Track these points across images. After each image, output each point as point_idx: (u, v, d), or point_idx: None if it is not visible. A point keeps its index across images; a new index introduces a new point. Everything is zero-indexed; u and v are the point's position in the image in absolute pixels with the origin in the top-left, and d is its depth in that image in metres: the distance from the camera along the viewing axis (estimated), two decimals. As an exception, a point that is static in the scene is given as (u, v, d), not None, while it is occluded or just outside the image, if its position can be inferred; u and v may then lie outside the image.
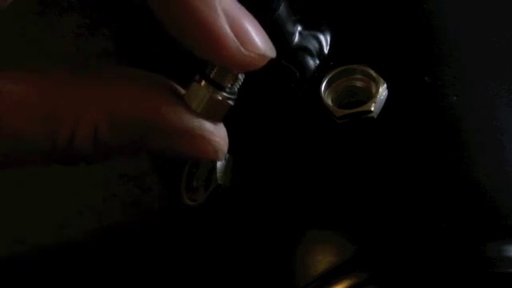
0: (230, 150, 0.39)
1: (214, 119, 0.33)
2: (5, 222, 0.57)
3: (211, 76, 0.33)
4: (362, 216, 0.37)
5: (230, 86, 0.33)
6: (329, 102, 0.39)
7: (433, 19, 0.42)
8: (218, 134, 0.33)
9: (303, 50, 0.41)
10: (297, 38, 0.42)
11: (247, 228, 0.40)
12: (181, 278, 0.51)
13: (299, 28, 0.42)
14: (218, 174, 0.39)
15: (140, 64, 0.51)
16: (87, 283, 0.55)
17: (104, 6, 0.58)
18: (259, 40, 0.32)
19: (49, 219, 0.57)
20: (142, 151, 0.33)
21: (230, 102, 0.33)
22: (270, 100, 0.41)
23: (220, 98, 0.33)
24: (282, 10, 0.40)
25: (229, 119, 0.37)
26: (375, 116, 0.39)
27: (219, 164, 0.39)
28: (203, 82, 0.32)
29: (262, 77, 0.41)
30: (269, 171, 0.40)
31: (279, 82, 0.41)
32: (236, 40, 0.31)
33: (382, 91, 0.39)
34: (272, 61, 0.33)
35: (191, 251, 0.45)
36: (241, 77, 0.33)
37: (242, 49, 0.32)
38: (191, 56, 0.36)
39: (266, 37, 0.32)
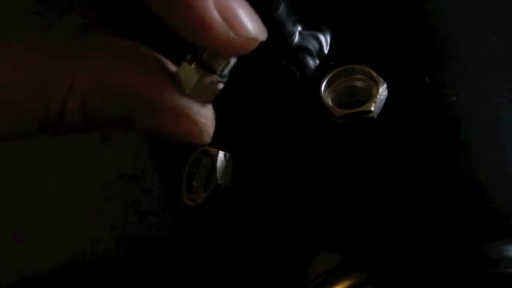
0: (230, 150, 0.40)
1: (202, 101, 0.33)
2: (4, 222, 0.57)
3: (202, 58, 0.32)
4: (362, 216, 0.37)
5: (220, 69, 0.33)
6: (329, 102, 0.39)
7: (433, 19, 0.42)
8: (204, 115, 0.33)
9: (303, 49, 0.41)
10: (297, 38, 0.42)
11: (247, 228, 0.40)
12: (181, 277, 0.51)
13: (299, 28, 0.42)
14: (218, 174, 0.39)
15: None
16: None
17: (104, 6, 0.58)
18: (249, 23, 0.32)
19: (49, 220, 0.57)
20: (128, 126, 0.33)
21: (220, 86, 0.33)
22: (270, 100, 0.41)
23: (210, 80, 0.33)
24: (282, 9, 0.40)
25: (229, 118, 0.37)
26: (375, 116, 0.39)
27: (219, 164, 0.39)
28: (194, 64, 0.32)
29: (262, 77, 0.41)
30: (269, 171, 0.40)
31: (279, 82, 0.41)
32: (224, 24, 0.31)
33: (382, 91, 0.39)
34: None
35: (191, 251, 0.45)
36: (232, 61, 0.33)
37: (231, 32, 0.31)
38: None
39: (257, 19, 0.32)
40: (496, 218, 0.37)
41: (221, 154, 0.39)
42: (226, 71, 0.33)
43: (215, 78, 0.33)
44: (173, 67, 0.33)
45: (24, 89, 0.31)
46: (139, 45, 0.33)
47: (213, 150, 0.39)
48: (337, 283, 0.36)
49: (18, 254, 0.57)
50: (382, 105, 0.39)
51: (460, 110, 0.39)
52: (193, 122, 0.33)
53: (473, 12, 0.43)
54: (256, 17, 0.32)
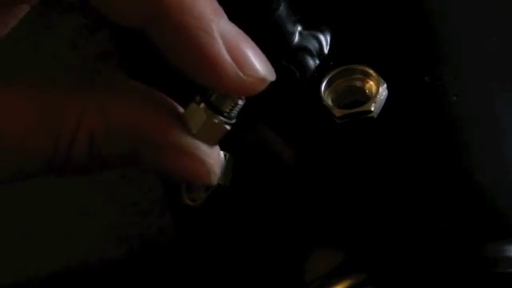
0: (230, 150, 0.40)
1: (209, 142, 0.33)
2: (4, 223, 0.57)
3: (211, 99, 0.33)
4: (362, 216, 0.37)
5: (228, 110, 0.33)
6: (329, 102, 0.39)
7: (433, 19, 0.42)
8: (212, 156, 0.33)
9: (303, 50, 0.41)
10: (297, 38, 0.42)
11: (247, 228, 0.40)
12: (181, 277, 0.51)
13: (299, 28, 0.42)
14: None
15: (140, 64, 0.51)
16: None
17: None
18: (258, 64, 0.32)
19: (48, 220, 0.57)
20: (134, 165, 0.33)
21: (227, 127, 0.33)
22: (269, 100, 0.41)
23: (217, 121, 0.33)
24: (282, 10, 0.40)
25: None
26: (375, 116, 0.39)
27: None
28: (202, 105, 0.33)
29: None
30: (269, 171, 0.40)
31: (279, 82, 0.41)
32: (234, 65, 0.31)
33: (382, 91, 0.39)
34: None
35: (191, 251, 0.45)
36: (241, 102, 0.33)
37: (241, 74, 0.31)
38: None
39: (266, 60, 0.32)
40: (496, 218, 0.37)
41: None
42: (234, 113, 0.33)
43: (223, 119, 0.33)
44: (180, 109, 0.33)
45: (31, 130, 0.31)
46: (146, 86, 0.33)
47: (213, 150, 0.39)
48: (337, 283, 0.36)
49: (18, 254, 0.57)
50: (382, 105, 0.39)
51: (460, 109, 0.39)
52: (200, 162, 0.33)
53: (473, 12, 0.43)
54: (264, 57, 0.32)
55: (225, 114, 0.33)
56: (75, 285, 0.56)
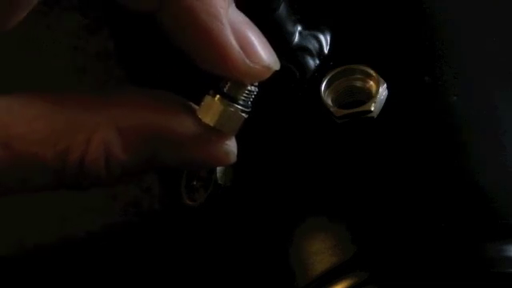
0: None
1: (228, 132, 0.33)
2: (5, 222, 0.57)
3: (225, 90, 0.33)
4: (362, 216, 0.37)
5: (243, 98, 0.33)
6: (329, 102, 0.39)
7: (433, 19, 0.42)
8: (229, 138, 0.34)
9: (303, 50, 0.41)
10: (297, 38, 0.42)
11: (247, 228, 0.40)
12: (180, 278, 0.51)
13: (299, 28, 0.42)
14: (218, 174, 0.39)
15: (140, 64, 0.51)
16: (86, 283, 0.56)
17: (104, 6, 0.58)
18: (264, 52, 0.33)
19: (49, 219, 0.57)
20: (154, 167, 0.33)
21: (244, 115, 0.33)
22: (269, 100, 0.41)
23: (233, 110, 0.33)
24: (282, 9, 0.40)
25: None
26: (375, 116, 0.39)
27: (219, 164, 0.39)
28: (217, 96, 0.33)
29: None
30: (269, 171, 0.40)
31: (279, 82, 0.41)
32: (241, 52, 0.32)
33: (382, 91, 0.39)
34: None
35: (191, 251, 0.45)
36: (255, 89, 0.34)
37: (247, 61, 0.32)
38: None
39: (271, 49, 0.33)
40: (496, 217, 0.37)
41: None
42: (250, 100, 0.34)
43: (239, 107, 0.33)
44: (194, 105, 0.34)
45: (38, 143, 0.31)
46: (155, 89, 0.34)
47: (213, 150, 0.39)
48: (337, 283, 0.36)
49: (17, 253, 0.57)
50: (382, 105, 0.39)
51: (460, 109, 0.39)
52: (219, 148, 0.34)
53: (473, 12, 0.43)
54: (269, 46, 0.33)
55: (240, 102, 0.33)
56: (75, 281, 0.56)
